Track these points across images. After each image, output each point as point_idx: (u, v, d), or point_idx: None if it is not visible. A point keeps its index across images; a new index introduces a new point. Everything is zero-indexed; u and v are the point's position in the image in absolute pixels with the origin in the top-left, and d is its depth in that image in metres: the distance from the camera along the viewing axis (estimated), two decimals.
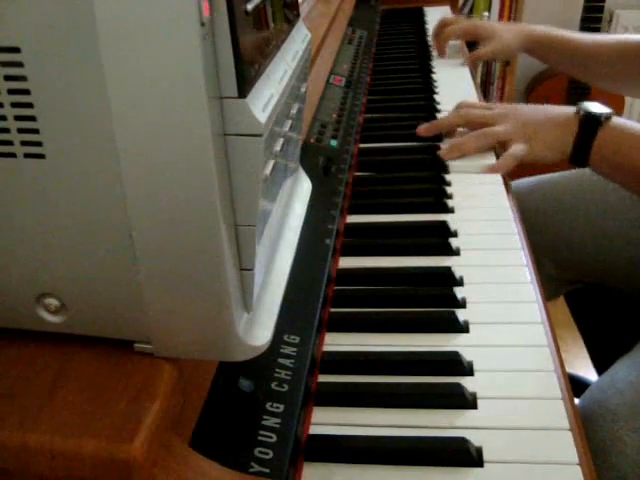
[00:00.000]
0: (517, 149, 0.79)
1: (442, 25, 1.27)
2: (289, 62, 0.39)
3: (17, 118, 0.29)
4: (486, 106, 0.88)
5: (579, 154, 0.77)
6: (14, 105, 0.29)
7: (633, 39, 1.02)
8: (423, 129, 0.88)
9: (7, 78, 0.29)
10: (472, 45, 1.28)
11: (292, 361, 0.48)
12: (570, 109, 0.80)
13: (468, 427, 0.46)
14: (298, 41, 0.43)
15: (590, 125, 0.76)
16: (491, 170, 0.81)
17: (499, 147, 0.84)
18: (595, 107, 0.77)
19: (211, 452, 0.37)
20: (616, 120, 0.76)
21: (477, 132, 0.82)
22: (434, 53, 1.30)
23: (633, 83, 1.05)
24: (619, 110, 2.07)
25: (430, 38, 1.35)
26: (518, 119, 0.82)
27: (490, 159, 0.83)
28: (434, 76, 1.17)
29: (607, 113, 0.76)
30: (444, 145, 0.86)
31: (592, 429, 0.63)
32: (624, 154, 0.74)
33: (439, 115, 0.99)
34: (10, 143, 0.30)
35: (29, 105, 0.29)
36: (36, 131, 0.30)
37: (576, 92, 2.03)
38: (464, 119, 0.87)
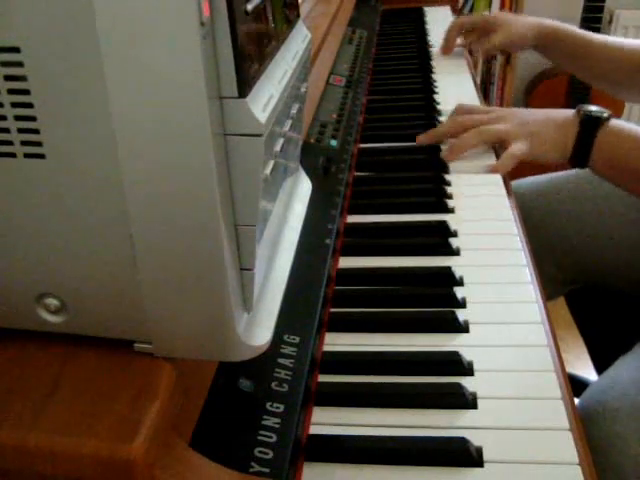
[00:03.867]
0: (517, 148, 0.79)
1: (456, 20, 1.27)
2: (289, 62, 0.39)
3: (17, 118, 0.29)
4: (483, 110, 0.88)
5: (579, 155, 0.77)
6: (14, 105, 0.29)
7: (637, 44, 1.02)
8: (422, 137, 0.88)
9: (7, 78, 0.29)
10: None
11: (292, 361, 0.48)
12: (570, 111, 0.80)
13: (468, 427, 0.46)
14: (298, 41, 0.43)
15: (590, 126, 0.76)
16: (491, 169, 0.80)
17: (499, 147, 0.84)
18: (595, 109, 0.77)
19: (211, 452, 0.37)
20: (616, 122, 0.76)
21: (476, 129, 0.82)
22: (434, 49, 1.30)
23: (636, 90, 1.04)
24: (619, 112, 2.07)
25: (431, 38, 1.35)
26: (517, 119, 0.82)
27: (490, 159, 0.83)
28: (434, 76, 1.16)
29: (607, 114, 0.76)
30: (445, 146, 0.85)
31: (593, 429, 0.63)
32: (623, 155, 0.75)
33: (440, 117, 0.99)
34: (10, 143, 0.30)
35: (29, 105, 0.29)
36: (36, 131, 0.30)
37: (576, 92, 2.03)
38: (462, 126, 0.85)
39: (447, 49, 1.27)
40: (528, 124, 0.80)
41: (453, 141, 0.84)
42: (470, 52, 1.28)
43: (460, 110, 0.89)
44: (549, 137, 0.79)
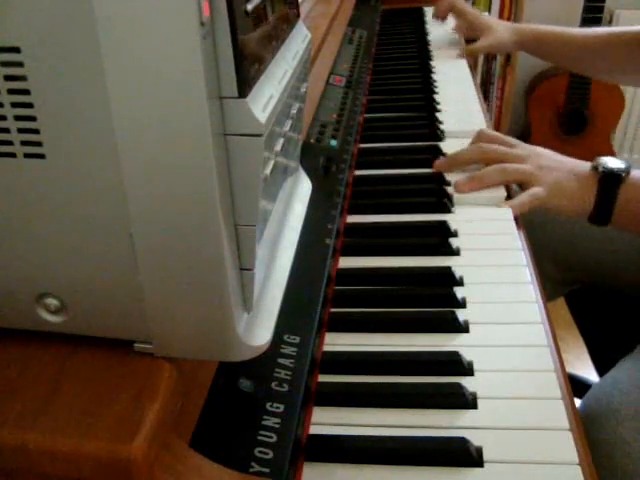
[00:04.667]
0: (535, 192, 0.74)
1: None
2: (289, 62, 0.39)
3: (17, 118, 0.29)
4: (506, 141, 0.82)
5: (601, 213, 0.72)
6: (14, 105, 0.29)
7: (621, 30, 1.05)
8: (440, 163, 0.82)
9: (7, 78, 0.29)
10: (469, 42, 1.31)
11: (292, 361, 0.48)
12: (586, 164, 0.75)
13: (468, 427, 0.46)
14: (298, 41, 0.43)
15: (611, 183, 0.71)
16: (505, 205, 0.75)
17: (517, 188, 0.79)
18: (613, 163, 0.72)
19: (211, 452, 0.37)
20: (636, 174, 0.71)
21: (499, 166, 0.77)
22: (434, 49, 1.31)
23: (628, 72, 1.05)
24: (618, 113, 2.07)
25: (431, 38, 1.36)
26: (539, 163, 0.76)
27: (500, 192, 0.77)
28: (434, 76, 1.17)
29: (626, 167, 0.71)
30: (461, 176, 0.79)
31: (595, 430, 0.62)
32: None
33: (439, 115, 0.99)
34: (10, 143, 0.30)
35: (29, 105, 0.29)
36: (36, 131, 0.30)
37: (576, 92, 2.03)
38: (484, 155, 0.80)
39: (438, 17, 1.39)
40: (551, 171, 0.75)
41: (473, 174, 0.78)
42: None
43: (483, 137, 0.83)
44: (568, 190, 0.73)
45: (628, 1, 2.10)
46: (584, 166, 0.75)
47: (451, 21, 1.38)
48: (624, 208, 0.71)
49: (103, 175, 0.30)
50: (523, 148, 0.80)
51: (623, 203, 0.71)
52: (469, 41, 1.31)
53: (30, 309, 0.35)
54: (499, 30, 1.21)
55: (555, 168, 0.76)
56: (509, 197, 0.76)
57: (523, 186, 0.76)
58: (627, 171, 0.71)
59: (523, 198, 0.74)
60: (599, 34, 1.08)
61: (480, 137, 0.83)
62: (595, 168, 0.73)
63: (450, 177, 0.80)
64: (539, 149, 0.80)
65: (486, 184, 0.77)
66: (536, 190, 0.74)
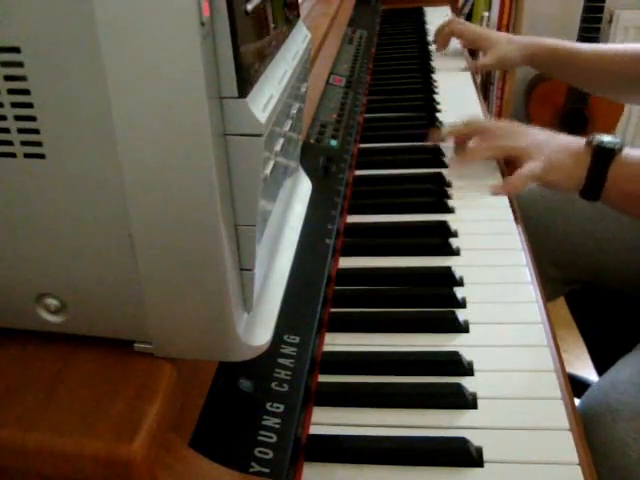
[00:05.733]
0: (530, 168, 0.74)
1: (449, 21, 1.29)
2: (289, 62, 0.39)
3: (17, 118, 0.29)
4: (501, 125, 0.83)
5: (591, 188, 0.73)
6: (14, 105, 0.29)
7: (633, 48, 1.02)
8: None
9: (7, 78, 0.29)
10: (472, 52, 1.29)
11: (292, 361, 0.48)
12: (581, 140, 0.75)
13: (468, 427, 0.46)
14: (298, 41, 0.43)
15: (602, 158, 0.72)
16: (502, 188, 0.76)
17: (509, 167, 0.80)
18: (607, 139, 0.73)
19: (211, 452, 0.37)
20: (628, 151, 0.72)
21: (492, 140, 0.78)
22: (434, 49, 1.30)
23: (636, 93, 1.04)
24: (619, 111, 2.07)
25: (430, 38, 1.35)
26: (532, 139, 0.78)
27: (496, 179, 0.79)
28: (434, 76, 1.17)
29: (619, 144, 0.72)
30: (448, 157, 0.82)
31: (594, 430, 0.62)
32: (638, 186, 0.71)
33: (439, 115, 0.99)
34: (10, 143, 0.30)
35: (29, 105, 0.29)
36: (36, 131, 0.30)
37: (576, 92, 2.03)
38: (473, 128, 0.82)
39: (441, 47, 1.30)
40: (544, 147, 0.76)
41: (469, 145, 0.80)
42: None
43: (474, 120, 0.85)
44: (564, 165, 0.74)
45: (628, 1, 2.10)
46: (578, 142, 0.75)
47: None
48: (614, 184, 0.71)
49: (103, 175, 0.30)
50: (514, 126, 0.81)
51: (613, 178, 0.71)
52: (472, 52, 1.30)
53: (30, 309, 0.35)
54: (503, 44, 1.16)
55: (547, 145, 0.76)
56: None
57: (517, 163, 0.77)
58: (620, 148, 0.71)
59: (517, 176, 0.75)
60: (615, 51, 1.04)
61: (469, 125, 0.85)
62: (589, 143, 0.73)
63: (450, 177, 0.80)
64: (530, 128, 0.81)
65: (479, 157, 0.78)
66: (532, 165, 0.74)
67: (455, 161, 0.80)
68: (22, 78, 0.28)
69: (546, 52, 1.12)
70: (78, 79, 0.28)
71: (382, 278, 0.63)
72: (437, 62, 1.25)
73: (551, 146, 0.76)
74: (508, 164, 0.82)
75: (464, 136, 0.84)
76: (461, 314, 0.56)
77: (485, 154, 0.79)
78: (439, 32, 1.30)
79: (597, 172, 0.72)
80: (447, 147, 0.88)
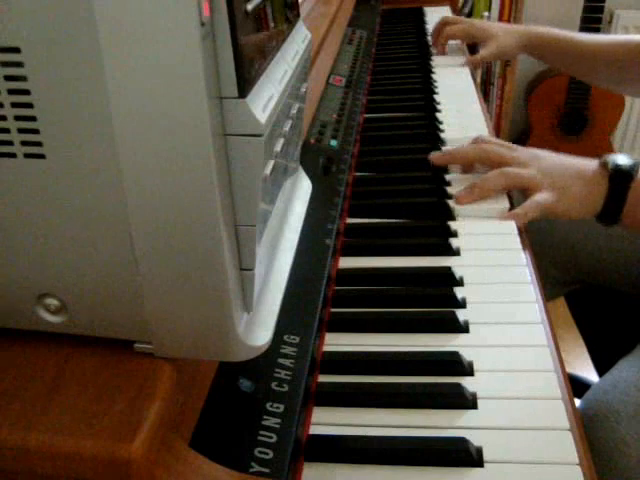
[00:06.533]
0: (543, 198, 0.70)
1: (442, 24, 1.28)
2: (289, 62, 0.39)
3: (17, 118, 0.29)
4: (506, 145, 0.78)
5: (610, 212, 0.70)
6: (14, 105, 0.29)
7: (635, 39, 1.02)
8: (435, 158, 0.80)
9: (7, 78, 0.29)
10: (472, 46, 1.29)
11: (292, 361, 0.48)
12: (594, 163, 0.72)
13: (468, 427, 0.46)
14: (298, 41, 0.43)
15: (621, 182, 0.69)
16: (509, 216, 0.71)
17: (521, 195, 0.76)
18: (622, 160, 0.70)
19: (211, 452, 0.37)
20: None
21: (499, 170, 0.74)
22: (434, 51, 1.30)
23: (635, 84, 1.04)
24: (619, 110, 2.07)
25: (430, 38, 1.35)
26: (543, 167, 0.73)
27: (503, 203, 0.74)
28: (434, 76, 1.17)
29: (636, 165, 0.69)
30: (458, 189, 0.76)
31: (595, 430, 0.62)
32: None
33: (439, 115, 0.99)
34: (10, 143, 0.30)
35: (29, 105, 0.29)
36: (36, 131, 0.30)
37: (576, 92, 2.03)
38: (483, 154, 0.77)
39: (440, 51, 1.29)
40: (556, 177, 0.72)
41: (472, 183, 0.75)
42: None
43: (480, 140, 0.80)
44: (578, 194, 0.70)
45: (628, 1, 2.10)
46: (590, 165, 0.72)
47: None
48: (633, 206, 0.69)
49: (103, 175, 0.30)
50: (523, 151, 0.76)
51: (633, 201, 0.68)
52: (471, 46, 1.30)
53: (30, 309, 0.35)
54: (500, 36, 1.15)
55: (559, 171, 0.72)
56: (512, 208, 0.73)
57: (526, 193, 0.73)
58: (637, 168, 0.69)
59: (529, 205, 0.70)
60: (610, 43, 1.04)
61: (477, 140, 0.81)
62: (604, 166, 0.70)
63: (450, 177, 0.80)
64: (540, 152, 0.76)
65: (488, 191, 0.73)
66: (543, 196, 0.70)
67: (462, 200, 0.74)
68: (22, 78, 0.28)
69: (543, 40, 1.12)
70: (78, 79, 0.28)
71: (382, 278, 0.63)
72: (437, 62, 1.25)
73: (563, 174, 0.72)
74: None
75: (469, 163, 0.80)
76: (461, 314, 0.56)
77: (492, 187, 0.73)
78: (435, 36, 1.30)
79: (616, 196, 0.69)
80: (447, 146, 0.88)
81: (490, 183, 0.73)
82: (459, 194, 0.74)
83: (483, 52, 1.18)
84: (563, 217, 0.72)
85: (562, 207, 0.70)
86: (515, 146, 0.78)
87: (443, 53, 1.28)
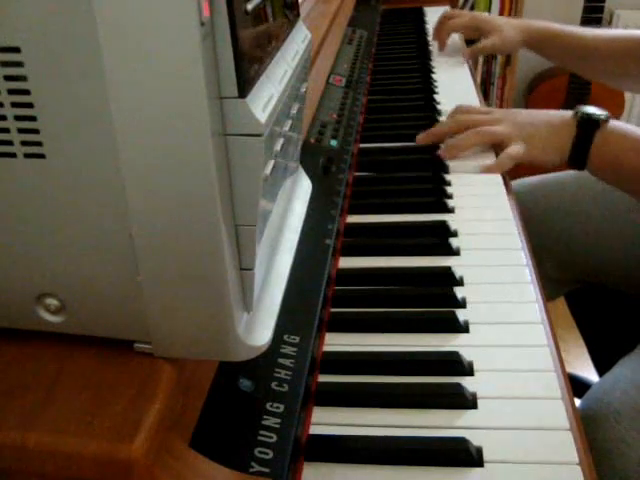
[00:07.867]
0: (514, 149, 0.79)
1: (445, 18, 1.28)
2: (289, 62, 0.39)
3: (17, 118, 0.29)
4: (483, 111, 0.88)
5: (577, 157, 0.77)
6: (14, 105, 0.29)
7: (635, 35, 1.02)
8: (421, 137, 0.88)
9: (7, 78, 0.29)
10: (471, 42, 1.28)
11: (292, 361, 0.48)
12: (568, 112, 0.80)
13: (468, 427, 0.46)
14: (298, 41, 0.43)
15: (588, 127, 0.76)
16: (489, 169, 0.80)
17: (497, 148, 0.84)
18: (593, 110, 0.77)
19: (211, 452, 0.37)
20: (614, 123, 0.76)
21: (473, 130, 0.83)
22: (434, 49, 1.30)
23: (634, 79, 1.04)
24: (619, 110, 2.08)
25: (430, 38, 1.35)
26: (515, 121, 0.82)
27: (490, 159, 0.83)
28: (434, 76, 1.16)
29: (605, 115, 0.76)
30: (442, 145, 0.86)
31: (595, 430, 0.62)
32: (622, 156, 0.74)
33: (440, 118, 0.99)
34: (10, 143, 0.30)
35: (29, 105, 0.29)
36: (36, 131, 0.30)
37: (576, 92, 2.03)
38: (461, 125, 0.85)
39: (442, 46, 1.29)
40: (526, 126, 0.81)
41: (451, 141, 0.84)
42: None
43: (459, 110, 0.90)
44: (547, 140, 0.79)
45: (628, 1, 2.10)
46: (560, 114, 0.80)
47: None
48: (598, 153, 0.75)
49: (103, 175, 0.30)
50: (499, 111, 0.86)
51: (598, 147, 0.75)
52: (471, 42, 1.29)
53: (30, 309, 0.35)
54: (504, 29, 1.16)
55: (529, 123, 0.81)
56: None
57: (502, 146, 0.81)
58: (606, 119, 0.75)
59: (502, 158, 0.79)
60: (613, 36, 1.05)
61: (456, 111, 0.90)
62: (575, 114, 0.78)
63: (450, 177, 0.80)
64: (514, 110, 0.86)
65: (463, 149, 0.83)
66: (514, 148, 0.79)
67: (444, 155, 0.84)
68: (22, 78, 0.28)
69: (544, 35, 1.14)
70: (78, 79, 0.28)
71: (382, 278, 0.63)
72: (437, 62, 1.25)
73: (533, 123, 0.81)
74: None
75: (450, 135, 0.87)
76: (461, 314, 0.56)
77: (469, 144, 0.83)
78: (437, 30, 1.30)
79: (582, 140, 0.76)
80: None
81: (464, 142, 0.83)
82: (440, 151, 0.84)
83: (485, 42, 1.19)
84: (536, 162, 0.80)
85: (533, 153, 0.79)
86: (491, 109, 0.89)
87: (444, 47, 1.28)
